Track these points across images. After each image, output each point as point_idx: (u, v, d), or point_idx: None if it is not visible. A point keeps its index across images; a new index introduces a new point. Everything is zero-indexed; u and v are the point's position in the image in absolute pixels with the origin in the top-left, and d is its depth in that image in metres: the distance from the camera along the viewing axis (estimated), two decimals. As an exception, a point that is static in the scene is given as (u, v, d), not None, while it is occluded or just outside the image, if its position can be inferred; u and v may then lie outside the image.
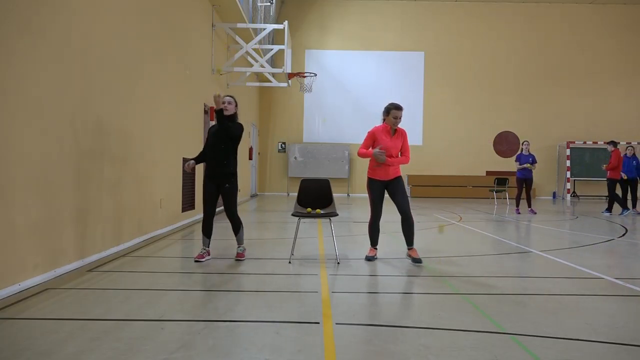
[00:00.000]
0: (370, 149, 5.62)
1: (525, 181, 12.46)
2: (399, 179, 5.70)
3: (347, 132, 20.71)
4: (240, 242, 5.84)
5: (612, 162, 12.53)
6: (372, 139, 5.65)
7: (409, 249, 5.63)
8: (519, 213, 12.32)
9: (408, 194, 19.98)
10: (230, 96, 5.80)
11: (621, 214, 12.61)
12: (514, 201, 12.97)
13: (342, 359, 2.83)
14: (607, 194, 12.94)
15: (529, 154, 12.47)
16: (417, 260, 5.48)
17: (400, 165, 5.76)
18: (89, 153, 5.39)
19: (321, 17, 21.11)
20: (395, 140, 5.64)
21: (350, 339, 3.17)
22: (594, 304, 4.10)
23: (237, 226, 5.78)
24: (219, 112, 5.58)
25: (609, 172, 12.67)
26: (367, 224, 5.88)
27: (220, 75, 12.06)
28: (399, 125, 5.66)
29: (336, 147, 20.64)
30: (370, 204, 5.78)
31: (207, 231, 5.74)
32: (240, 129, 5.75)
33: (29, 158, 4.29)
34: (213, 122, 6.20)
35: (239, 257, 5.75)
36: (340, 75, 20.95)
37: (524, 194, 12.59)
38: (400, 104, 5.63)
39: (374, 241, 5.88)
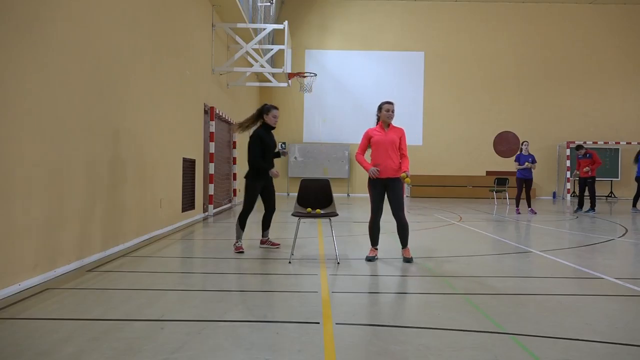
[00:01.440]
0: (368, 159, 5.76)
1: (525, 181, 12.47)
2: (397, 180, 5.67)
3: (347, 132, 20.70)
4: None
5: (598, 161, 12.99)
6: (367, 139, 5.75)
7: (402, 249, 5.78)
8: (519, 213, 12.32)
9: (408, 193, 20.10)
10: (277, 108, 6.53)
11: (588, 211, 13.04)
12: (514, 201, 12.97)
13: (342, 359, 2.83)
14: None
15: (529, 154, 12.49)
16: (407, 260, 5.64)
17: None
18: (89, 153, 5.39)
19: (321, 17, 21.11)
20: (389, 134, 5.66)
21: (350, 339, 3.17)
22: (594, 304, 4.10)
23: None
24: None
25: (593, 171, 13.01)
26: (368, 223, 5.88)
27: (220, 75, 12.07)
28: (404, 125, 5.77)
29: (336, 147, 20.63)
30: (370, 203, 5.80)
31: (244, 224, 6.35)
32: None
33: (28, 158, 4.29)
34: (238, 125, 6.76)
35: (270, 244, 6.55)
36: (341, 75, 20.94)
37: (523, 194, 12.60)
38: (391, 100, 5.82)
39: (374, 241, 5.86)
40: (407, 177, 5.51)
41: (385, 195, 5.74)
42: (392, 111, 5.69)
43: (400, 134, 5.73)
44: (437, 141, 20.87)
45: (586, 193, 13.23)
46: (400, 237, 5.74)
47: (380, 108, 5.76)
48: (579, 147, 13.28)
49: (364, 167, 5.70)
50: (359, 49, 21.02)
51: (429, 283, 4.81)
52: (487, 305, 3.96)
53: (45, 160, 4.54)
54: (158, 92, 7.73)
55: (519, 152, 12.80)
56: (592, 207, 13.03)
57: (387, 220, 6.00)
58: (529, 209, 12.59)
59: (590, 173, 12.93)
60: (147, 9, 7.27)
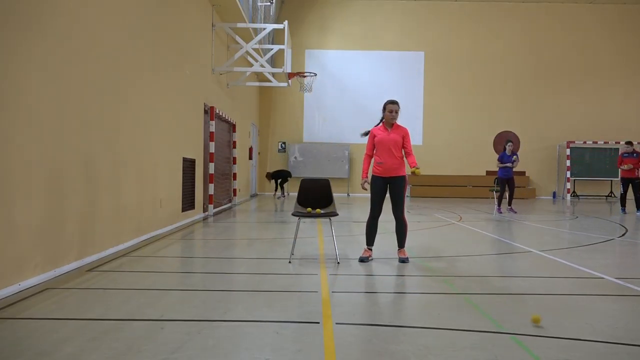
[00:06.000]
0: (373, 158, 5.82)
1: (507, 180, 12.63)
2: (399, 179, 5.67)
3: (347, 132, 20.67)
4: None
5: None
6: (372, 139, 5.76)
7: (398, 250, 5.74)
8: (501, 212, 12.39)
9: (408, 193, 20.09)
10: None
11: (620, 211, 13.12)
12: (508, 201, 13.03)
13: (342, 359, 2.83)
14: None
15: (511, 154, 12.61)
16: (402, 260, 5.61)
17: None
18: (89, 152, 5.39)
19: (321, 17, 21.10)
20: (393, 134, 5.65)
21: (350, 339, 3.17)
22: (594, 304, 4.10)
23: None
24: None
25: (637, 171, 12.83)
26: (366, 221, 5.87)
27: (220, 75, 12.06)
28: (403, 125, 5.77)
29: (336, 147, 20.63)
30: (370, 201, 5.79)
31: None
32: None
33: (29, 158, 4.29)
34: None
35: None
36: (340, 75, 20.93)
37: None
38: (396, 100, 5.77)
39: (369, 240, 5.81)
40: (417, 169, 5.54)
41: (387, 194, 5.74)
42: (396, 112, 5.64)
43: (404, 133, 5.69)
44: (437, 141, 20.85)
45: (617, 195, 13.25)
46: (397, 237, 5.73)
47: (384, 107, 5.70)
48: (629, 142, 13.23)
49: (363, 170, 5.84)
50: (359, 49, 21.01)
51: (429, 283, 4.81)
52: (487, 304, 3.96)
53: (45, 160, 4.54)
54: (158, 92, 7.72)
55: (502, 152, 12.93)
56: (639, 207, 12.76)
57: (388, 220, 5.99)
58: (509, 207, 12.64)
59: (636, 173, 12.77)
60: (147, 9, 7.27)
